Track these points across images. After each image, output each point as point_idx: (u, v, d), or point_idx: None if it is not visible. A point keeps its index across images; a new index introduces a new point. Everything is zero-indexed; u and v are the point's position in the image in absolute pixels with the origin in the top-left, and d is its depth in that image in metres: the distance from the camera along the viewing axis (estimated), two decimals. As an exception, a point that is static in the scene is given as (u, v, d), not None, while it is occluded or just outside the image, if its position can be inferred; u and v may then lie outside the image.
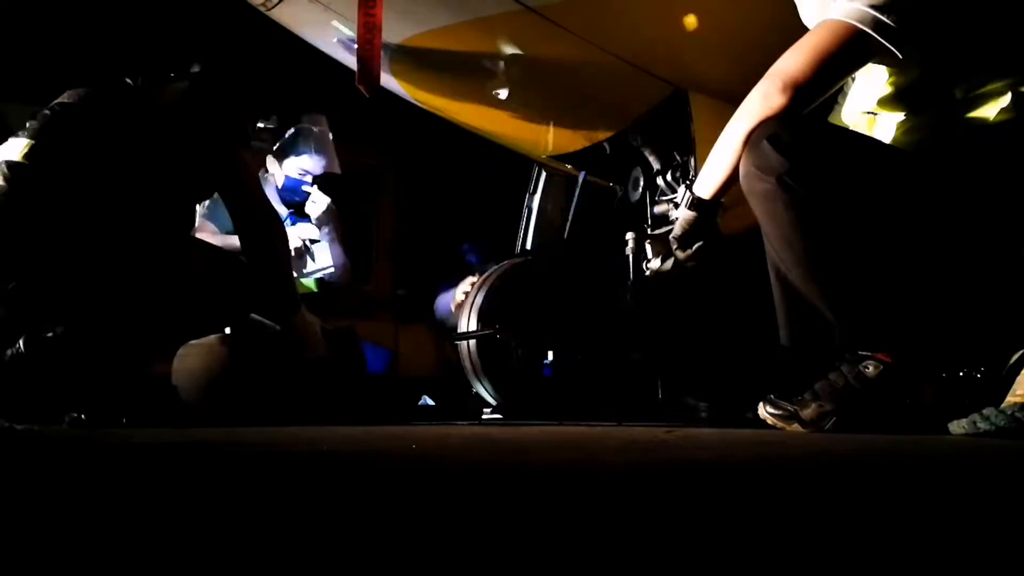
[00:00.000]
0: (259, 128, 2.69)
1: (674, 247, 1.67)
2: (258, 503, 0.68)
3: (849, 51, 1.45)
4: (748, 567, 0.45)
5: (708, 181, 1.60)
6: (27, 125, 2.08)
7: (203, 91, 2.22)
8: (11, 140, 2.05)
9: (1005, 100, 1.47)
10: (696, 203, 1.62)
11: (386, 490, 0.76)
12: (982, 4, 1.53)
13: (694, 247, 1.64)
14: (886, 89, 1.59)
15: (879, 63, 1.54)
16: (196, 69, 2.25)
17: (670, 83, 2.56)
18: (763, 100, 1.49)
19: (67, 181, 2.00)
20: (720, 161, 1.56)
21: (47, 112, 2.09)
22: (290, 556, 0.46)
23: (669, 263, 1.71)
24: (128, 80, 2.19)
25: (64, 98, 2.13)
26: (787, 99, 1.46)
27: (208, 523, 0.58)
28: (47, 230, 1.95)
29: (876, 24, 1.41)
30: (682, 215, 1.65)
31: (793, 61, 1.48)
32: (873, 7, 1.41)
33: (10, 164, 2.00)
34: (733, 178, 1.55)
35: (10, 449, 1.28)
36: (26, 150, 2.00)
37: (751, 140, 1.48)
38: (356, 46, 2.24)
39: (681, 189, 2.65)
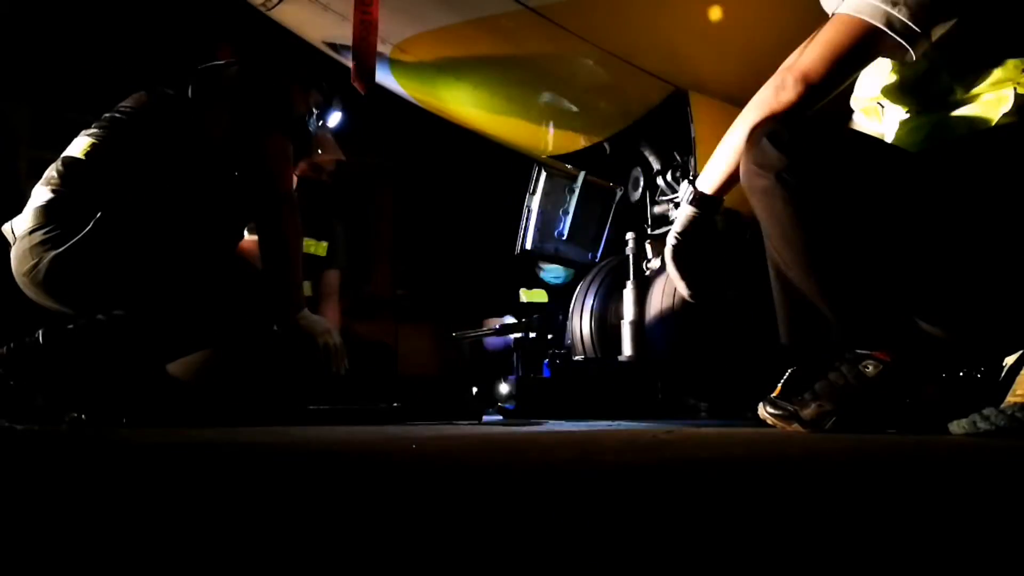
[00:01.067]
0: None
1: (671, 243, 1.63)
2: (291, 506, 0.68)
3: (861, 46, 1.45)
4: (747, 566, 0.45)
5: (712, 175, 1.59)
6: (91, 125, 2.17)
7: (239, 80, 2.22)
8: (77, 139, 2.15)
9: (1008, 100, 1.47)
10: (698, 198, 1.60)
11: (393, 487, 0.76)
12: (989, 2, 1.52)
13: (692, 243, 1.60)
14: (891, 78, 1.59)
15: (890, 57, 1.54)
16: (233, 64, 2.27)
17: (670, 83, 2.56)
18: (774, 94, 1.49)
19: (119, 180, 2.05)
20: (726, 155, 1.55)
21: (112, 115, 2.18)
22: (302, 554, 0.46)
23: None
24: (175, 82, 2.23)
25: (128, 102, 2.20)
26: (798, 93, 1.46)
27: (216, 521, 0.58)
28: (90, 224, 1.97)
29: (888, 20, 1.41)
30: (682, 211, 1.63)
31: (805, 56, 1.48)
32: (885, 1, 1.41)
33: (66, 160, 2.09)
34: (737, 173, 1.54)
35: (14, 449, 1.28)
36: (87, 148, 2.10)
37: (752, 138, 1.47)
38: (352, 45, 2.24)
39: (683, 184, 2.64)
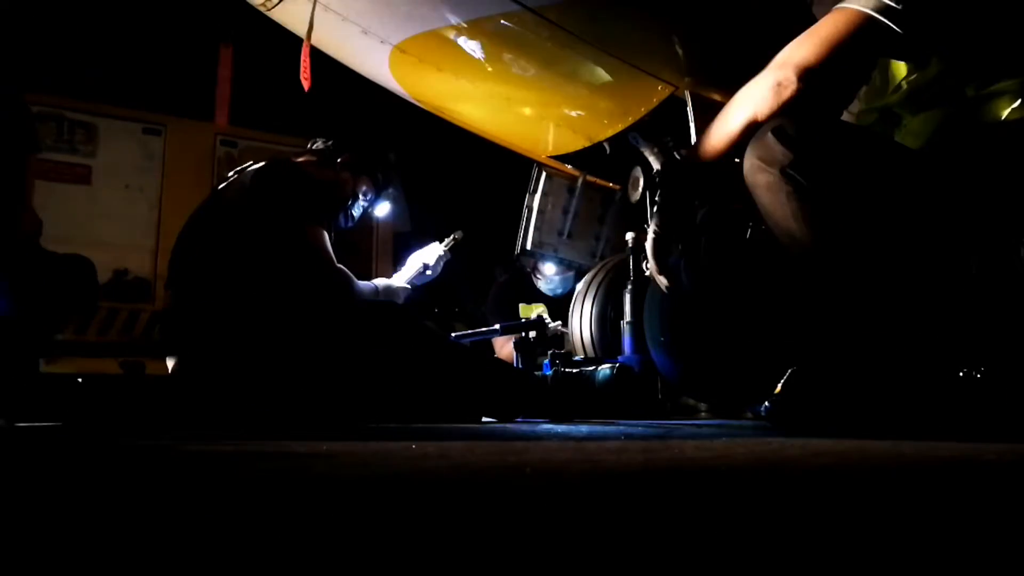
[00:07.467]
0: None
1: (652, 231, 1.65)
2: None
3: (858, 38, 1.45)
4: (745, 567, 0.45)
5: (698, 155, 1.59)
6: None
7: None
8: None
9: (1017, 99, 1.47)
10: (667, 173, 1.62)
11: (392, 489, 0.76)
12: (994, 2, 1.52)
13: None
14: (900, 86, 1.58)
15: (892, 56, 1.53)
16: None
17: (670, 83, 2.56)
18: (775, 92, 1.47)
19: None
20: (714, 143, 1.55)
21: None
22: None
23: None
24: None
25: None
26: (799, 88, 1.45)
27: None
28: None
29: (885, 9, 1.41)
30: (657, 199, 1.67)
31: (803, 49, 1.47)
32: None
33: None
34: (720, 162, 1.54)
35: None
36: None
37: (756, 134, 1.46)
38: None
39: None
